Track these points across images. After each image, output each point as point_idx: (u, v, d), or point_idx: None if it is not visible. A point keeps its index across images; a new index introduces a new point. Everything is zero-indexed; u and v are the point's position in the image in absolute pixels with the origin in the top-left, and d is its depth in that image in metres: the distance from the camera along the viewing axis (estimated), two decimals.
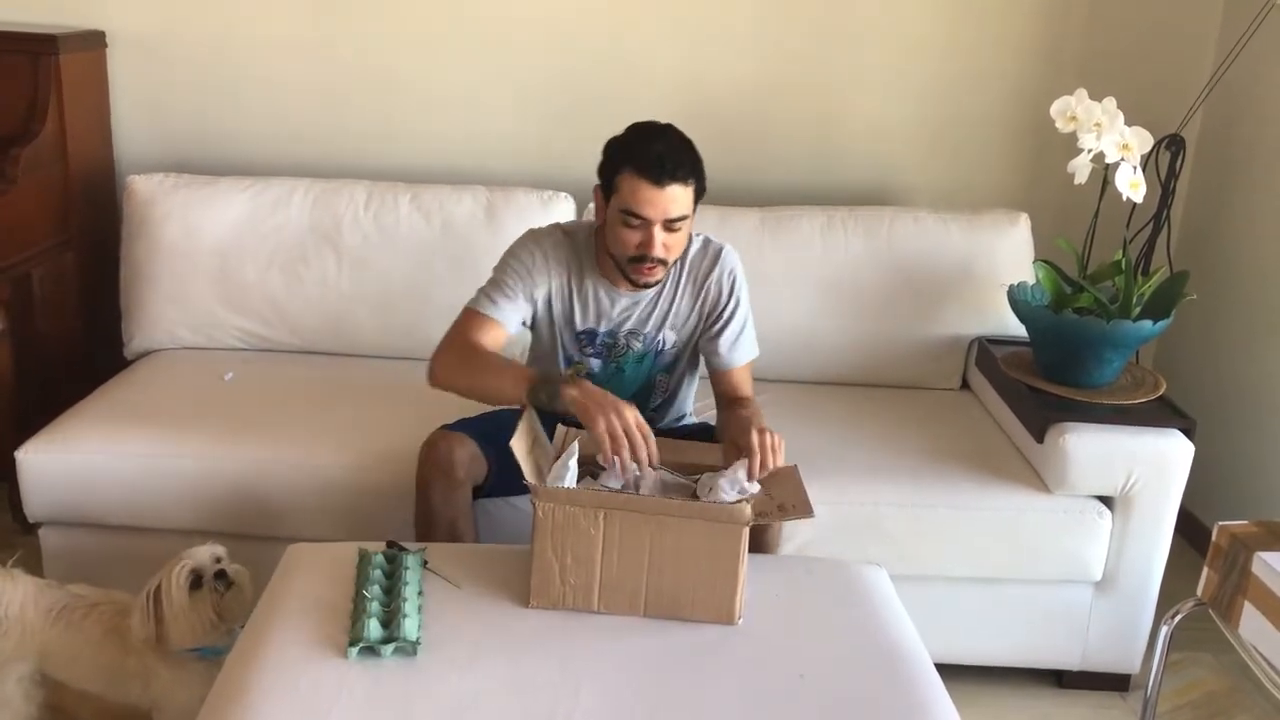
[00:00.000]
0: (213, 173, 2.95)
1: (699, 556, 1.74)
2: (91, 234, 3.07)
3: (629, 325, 2.21)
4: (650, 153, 2.00)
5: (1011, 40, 3.13)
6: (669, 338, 2.23)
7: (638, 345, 2.22)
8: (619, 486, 1.89)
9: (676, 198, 2.00)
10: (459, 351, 2.09)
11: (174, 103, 3.16)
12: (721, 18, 3.10)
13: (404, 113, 3.16)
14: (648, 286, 2.14)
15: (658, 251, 2.04)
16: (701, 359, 2.29)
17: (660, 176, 1.98)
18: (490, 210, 2.84)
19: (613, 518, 1.73)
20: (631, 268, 2.08)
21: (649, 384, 2.29)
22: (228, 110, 3.16)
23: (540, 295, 2.18)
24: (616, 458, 1.87)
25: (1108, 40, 3.12)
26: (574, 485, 1.84)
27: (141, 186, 2.85)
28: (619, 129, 3.11)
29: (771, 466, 1.88)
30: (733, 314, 2.20)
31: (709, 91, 3.12)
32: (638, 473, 1.89)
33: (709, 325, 2.21)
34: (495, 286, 2.16)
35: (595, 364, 2.24)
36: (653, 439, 1.90)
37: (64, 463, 2.35)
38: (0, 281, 2.67)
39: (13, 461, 2.35)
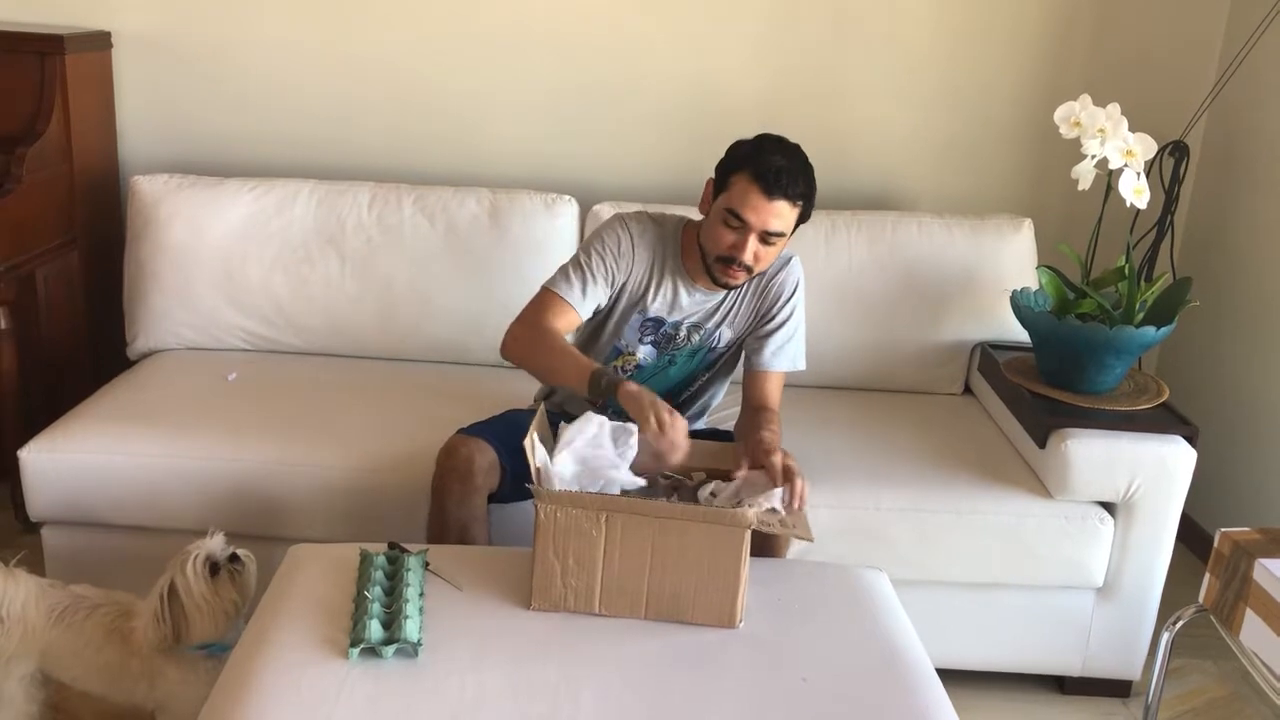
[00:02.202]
0: (217, 173, 2.95)
1: (701, 559, 1.74)
2: (96, 234, 3.07)
3: (695, 319, 2.24)
4: (770, 163, 2.03)
5: (1016, 46, 3.13)
6: (724, 335, 2.27)
7: (695, 339, 2.25)
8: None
9: (781, 213, 2.04)
10: (532, 330, 2.12)
11: (179, 103, 3.17)
12: (727, 24, 3.11)
13: (409, 114, 3.17)
14: (727, 288, 2.18)
15: (747, 258, 2.07)
16: (738, 365, 2.33)
17: (772, 188, 2.02)
18: (494, 213, 2.84)
19: (614, 520, 1.73)
20: (718, 267, 2.12)
21: (689, 381, 2.31)
22: (232, 111, 3.16)
23: (621, 279, 2.20)
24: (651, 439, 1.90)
25: (1112, 46, 3.12)
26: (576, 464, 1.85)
27: (146, 187, 2.86)
28: (622, 132, 3.17)
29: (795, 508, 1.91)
30: (787, 318, 2.23)
31: (714, 97, 3.12)
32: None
33: (761, 323, 2.24)
34: (578, 269, 2.17)
35: (648, 353, 2.26)
36: (686, 446, 1.94)
37: (67, 462, 2.35)
38: (5, 281, 2.68)
39: (16, 460, 2.35)
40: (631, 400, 1.94)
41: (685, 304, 2.23)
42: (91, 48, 3.04)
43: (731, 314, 2.25)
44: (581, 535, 1.74)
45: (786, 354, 2.24)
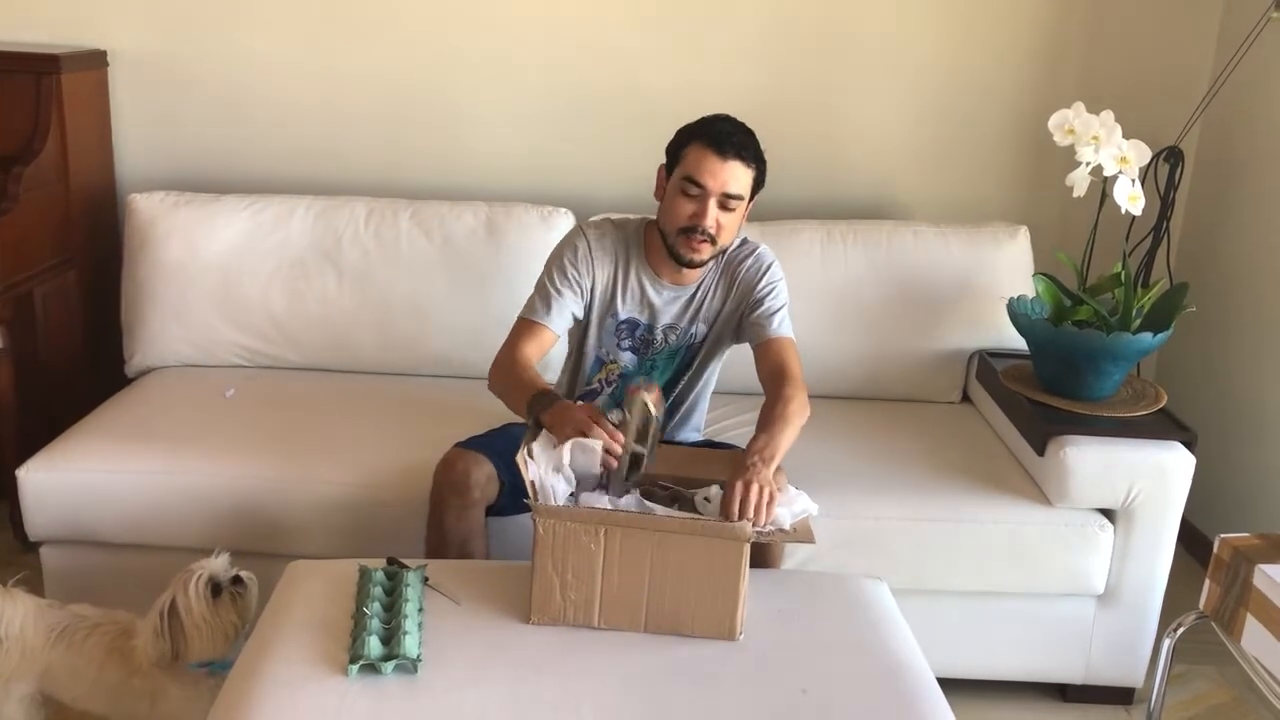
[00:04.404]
0: (214, 190, 2.96)
1: (700, 572, 1.74)
2: (93, 252, 3.08)
3: (668, 319, 2.25)
4: (719, 129, 2.11)
5: (1010, 54, 3.14)
6: (700, 330, 2.27)
7: (673, 339, 2.26)
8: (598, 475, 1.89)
9: (736, 174, 2.08)
10: (504, 362, 2.17)
11: (175, 121, 3.17)
12: (722, 35, 3.11)
13: (404, 129, 3.17)
14: (692, 265, 2.17)
15: (708, 223, 2.09)
16: (719, 365, 2.34)
17: (725, 148, 2.07)
18: (490, 226, 2.85)
19: (613, 534, 1.73)
20: (680, 241, 2.12)
21: (672, 382, 2.31)
22: (228, 128, 3.17)
23: (586, 285, 2.22)
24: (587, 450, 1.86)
25: (1105, 54, 3.13)
26: (567, 484, 1.84)
27: (143, 204, 2.86)
28: (617, 144, 3.17)
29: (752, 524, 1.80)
30: (767, 295, 2.22)
31: (710, 108, 3.09)
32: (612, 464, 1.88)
33: (750, 307, 2.23)
34: (542, 289, 2.22)
35: (629, 359, 2.27)
36: (607, 431, 1.87)
37: (65, 481, 2.35)
38: (2, 300, 2.68)
39: (14, 480, 2.35)
40: (556, 426, 1.91)
41: (656, 303, 2.24)
42: (87, 66, 3.04)
43: (705, 308, 2.26)
44: (580, 549, 1.74)
45: (785, 323, 2.23)
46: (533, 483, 1.79)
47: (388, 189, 3.07)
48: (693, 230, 2.10)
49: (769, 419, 2.03)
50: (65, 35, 3.08)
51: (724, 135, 2.08)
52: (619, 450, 1.87)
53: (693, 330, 2.26)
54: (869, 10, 3.10)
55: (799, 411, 2.06)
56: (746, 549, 1.74)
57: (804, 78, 3.15)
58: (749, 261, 2.24)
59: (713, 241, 2.11)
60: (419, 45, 3.12)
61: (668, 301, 2.24)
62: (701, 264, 2.17)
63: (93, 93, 3.07)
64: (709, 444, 2.36)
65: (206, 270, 2.82)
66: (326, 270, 2.83)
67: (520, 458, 1.80)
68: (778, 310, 2.22)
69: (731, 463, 2.02)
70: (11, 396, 2.73)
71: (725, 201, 2.09)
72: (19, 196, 2.76)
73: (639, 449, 1.91)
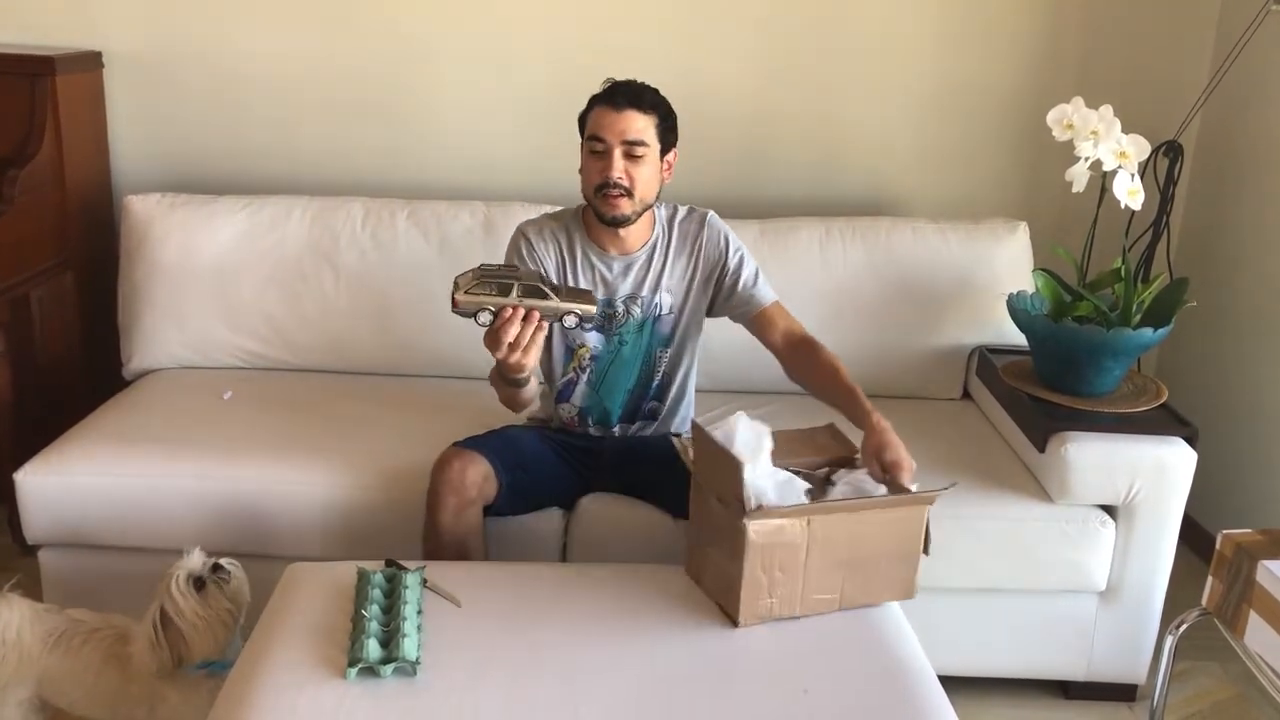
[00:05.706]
0: (210, 191, 2.95)
1: (890, 542, 1.86)
2: (89, 254, 3.07)
3: (626, 289, 2.26)
4: (612, 88, 2.16)
5: (1008, 49, 3.13)
6: (665, 300, 2.28)
7: (637, 311, 2.27)
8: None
9: (634, 122, 2.11)
10: (492, 377, 2.18)
11: (171, 122, 3.16)
12: (719, 32, 3.11)
13: (401, 129, 3.16)
14: (618, 223, 2.18)
15: (616, 174, 2.11)
16: (699, 341, 2.34)
17: (617, 100, 2.12)
18: (488, 225, 2.84)
19: (815, 523, 1.80)
20: (599, 201, 2.15)
21: (649, 361, 2.31)
22: (224, 129, 3.16)
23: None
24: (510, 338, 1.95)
25: (1104, 48, 3.12)
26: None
27: (139, 206, 2.85)
28: None
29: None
30: (741, 263, 2.28)
31: (707, 106, 3.11)
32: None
33: (722, 285, 2.27)
34: None
35: (596, 339, 2.27)
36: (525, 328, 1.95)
37: (63, 484, 2.35)
38: None
39: (12, 483, 2.35)
40: (504, 367, 2.02)
41: (608, 276, 2.25)
42: (82, 68, 3.03)
43: (665, 278, 2.26)
44: (787, 545, 1.79)
45: (768, 285, 2.29)
46: (747, 489, 1.78)
47: (384, 189, 3.06)
48: (605, 185, 2.12)
49: (846, 385, 2.15)
50: (60, 37, 3.07)
51: (616, 90, 2.14)
52: (520, 309, 1.94)
53: (656, 300, 2.27)
54: (867, 7, 3.09)
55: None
56: (927, 511, 1.88)
57: (802, 75, 3.14)
58: (705, 232, 2.28)
59: (629, 194, 2.13)
60: (415, 45, 3.11)
61: (619, 273, 2.25)
62: (625, 219, 2.17)
63: (88, 94, 3.07)
64: None
65: (203, 272, 2.81)
66: (324, 271, 2.83)
67: (747, 473, 1.79)
68: (757, 277, 2.28)
69: (836, 437, 2.12)
70: (9, 399, 2.72)
71: (629, 150, 2.11)
72: (14, 199, 2.75)
73: (508, 283, 1.95)
